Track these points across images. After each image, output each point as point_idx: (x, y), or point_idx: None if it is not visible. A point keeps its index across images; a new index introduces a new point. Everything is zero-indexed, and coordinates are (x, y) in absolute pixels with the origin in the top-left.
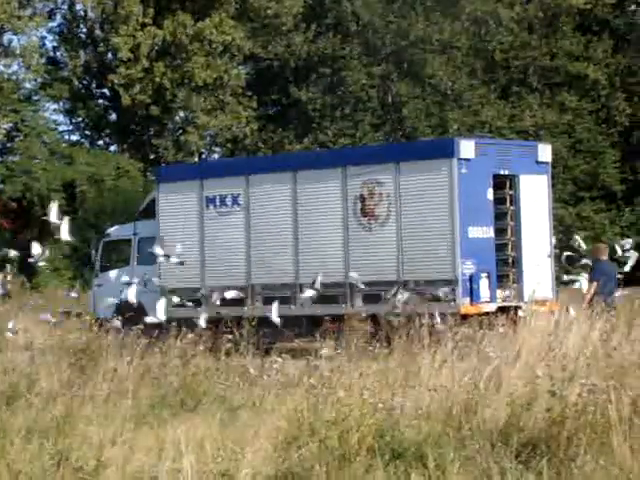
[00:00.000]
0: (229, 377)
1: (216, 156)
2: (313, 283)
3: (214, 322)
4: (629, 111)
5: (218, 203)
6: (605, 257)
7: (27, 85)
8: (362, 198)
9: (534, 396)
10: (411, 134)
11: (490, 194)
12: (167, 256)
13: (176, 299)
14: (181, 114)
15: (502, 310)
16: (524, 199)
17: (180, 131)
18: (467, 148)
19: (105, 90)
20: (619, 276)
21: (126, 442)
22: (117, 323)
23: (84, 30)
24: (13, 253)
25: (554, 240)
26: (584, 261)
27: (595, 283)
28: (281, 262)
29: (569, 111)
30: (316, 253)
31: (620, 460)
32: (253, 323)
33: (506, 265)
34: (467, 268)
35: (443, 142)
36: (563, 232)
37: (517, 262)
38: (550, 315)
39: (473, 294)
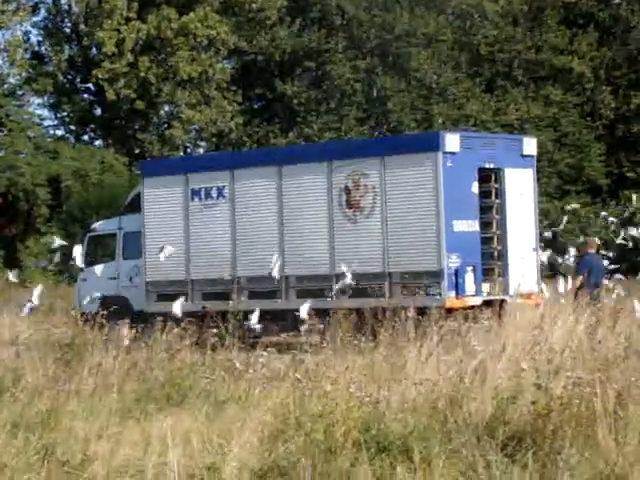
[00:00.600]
0: (215, 371)
1: (201, 150)
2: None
3: (199, 316)
4: (614, 104)
5: (203, 196)
6: (593, 250)
7: (11, 80)
8: (347, 190)
9: (519, 389)
10: (396, 128)
11: (475, 187)
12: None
13: None
14: (166, 108)
15: (487, 304)
16: (509, 192)
17: (165, 125)
18: (452, 142)
19: (90, 85)
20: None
21: (112, 436)
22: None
23: (69, 25)
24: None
25: (544, 257)
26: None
27: (580, 277)
28: (267, 254)
29: (554, 104)
30: (301, 245)
31: (605, 453)
32: (238, 317)
33: (491, 258)
34: (452, 262)
35: (428, 136)
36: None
37: (502, 255)
38: (535, 308)
39: (458, 288)
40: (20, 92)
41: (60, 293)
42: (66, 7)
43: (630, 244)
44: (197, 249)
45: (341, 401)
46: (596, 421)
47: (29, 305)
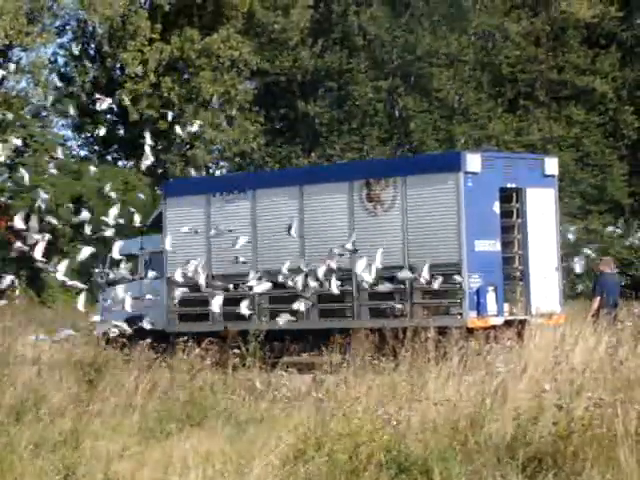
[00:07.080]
0: (236, 391)
1: (224, 171)
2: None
3: (220, 336)
4: (637, 124)
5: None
6: (609, 270)
7: (33, 101)
8: (370, 199)
9: (540, 410)
10: (418, 148)
11: (497, 207)
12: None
13: None
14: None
15: (509, 324)
16: (531, 212)
17: (187, 146)
18: (473, 162)
19: (113, 105)
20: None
21: (133, 456)
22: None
23: (92, 46)
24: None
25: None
26: None
27: (598, 297)
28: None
29: (576, 124)
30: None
31: (626, 474)
32: (259, 338)
33: (513, 278)
34: (474, 281)
35: (449, 156)
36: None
37: (524, 275)
38: (557, 328)
39: (480, 307)
40: (44, 113)
41: (82, 312)
42: (90, 29)
43: None
44: (219, 268)
45: (365, 422)
46: (617, 442)
47: (66, 332)
